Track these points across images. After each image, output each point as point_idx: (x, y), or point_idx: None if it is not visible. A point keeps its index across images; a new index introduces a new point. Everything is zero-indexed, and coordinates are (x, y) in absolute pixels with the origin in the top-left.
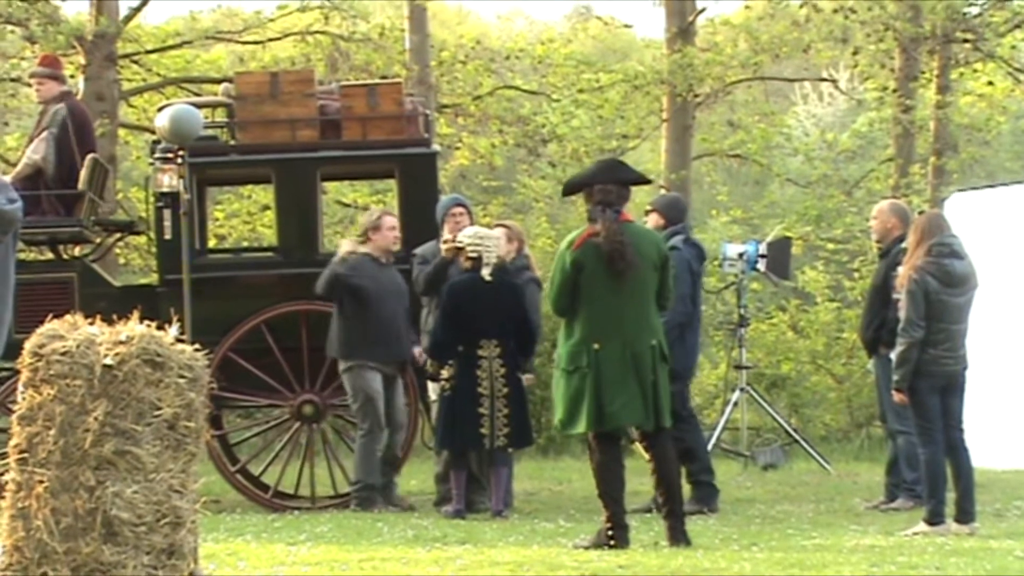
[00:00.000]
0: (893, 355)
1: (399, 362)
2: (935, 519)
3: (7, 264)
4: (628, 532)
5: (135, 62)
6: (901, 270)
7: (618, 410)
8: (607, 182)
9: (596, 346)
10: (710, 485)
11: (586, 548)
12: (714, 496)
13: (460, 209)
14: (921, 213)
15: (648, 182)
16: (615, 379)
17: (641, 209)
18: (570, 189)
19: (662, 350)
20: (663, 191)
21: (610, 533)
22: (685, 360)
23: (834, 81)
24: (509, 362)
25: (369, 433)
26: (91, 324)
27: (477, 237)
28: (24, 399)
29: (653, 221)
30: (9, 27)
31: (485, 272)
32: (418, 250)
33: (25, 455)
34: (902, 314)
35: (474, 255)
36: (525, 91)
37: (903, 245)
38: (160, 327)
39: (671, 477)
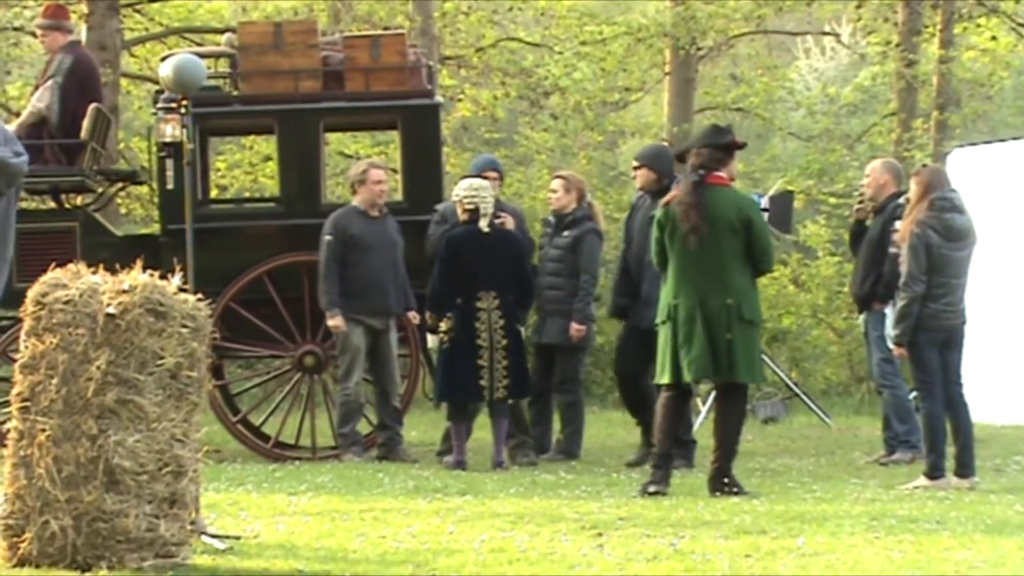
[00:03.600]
0: (888, 310)
1: (384, 315)
2: (935, 473)
3: (8, 217)
4: (669, 473)
5: (138, 11)
6: (901, 225)
7: (687, 364)
8: (703, 147)
9: (675, 302)
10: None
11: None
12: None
13: (494, 173)
14: (924, 167)
15: (740, 146)
16: (686, 334)
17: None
18: (678, 156)
19: (740, 309)
20: (664, 143)
21: (653, 469)
22: None
23: (837, 35)
24: (508, 314)
25: (343, 382)
26: (94, 273)
27: (472, 189)
28: (27, 348)
29: (643, 177)
30: None
31: (483, 224)
32: (439, 206)
33: (27, 404)
34: (904, 268)
35: (471, 207)
36: (528, 43)
37: (900, 201)
38: (163, 277)
39: (726, 433)
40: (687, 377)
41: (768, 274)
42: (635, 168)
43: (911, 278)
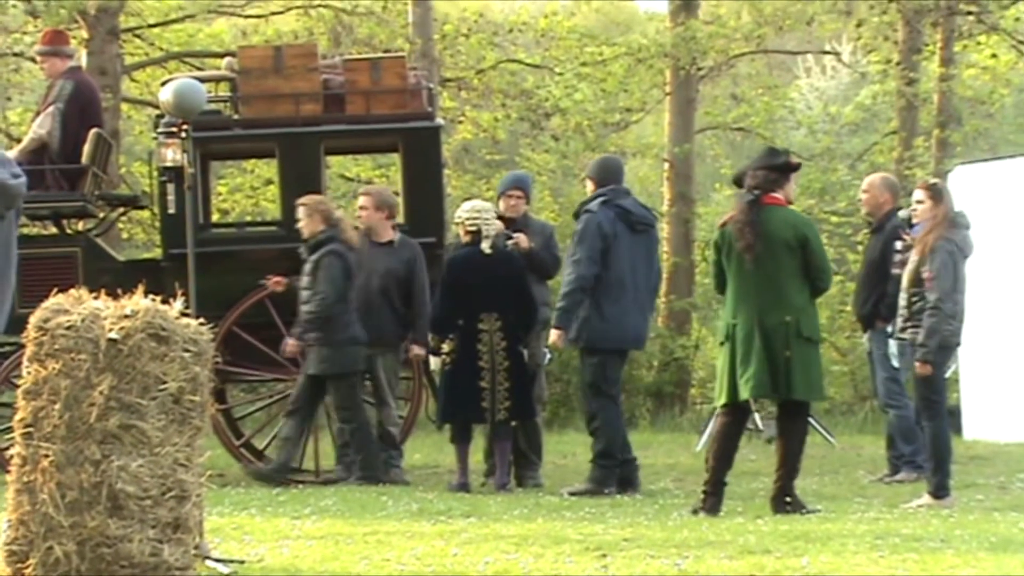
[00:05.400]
0: (891, 329)
1: (375, 341)
2: (940, 492)
3: (9, 240)
4: (721, 500)
5: (138, 36)
6: (921, 239)
7: (744, 383)
8: (758, 168)
9: (734, 321)
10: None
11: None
12: (611, 478)
13: (518, 192)
14: (935, 182)
15: (795, 167)
16: (744, 353)
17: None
18: (735, 180)
19: (799, 327)
20: (666, 165)
21: (703, 495)
22: (606, 331)
23: (837, 54)
24: (509, 335)
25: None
26: (96, 298)
27: (474, 211)
28: (29, 373)
29: (590, 188)
30: (11, 1)
31: (484, 245)
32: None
33: (30, 429)
34: (935, 284)
35: (473, 228)
36: (528, 65)
37: (901, 216)
38: (165, 301)
39: (788, 452)
40: (744, 395)
41: (826, 292)
42: (583, 181)
43: (946, 295)
